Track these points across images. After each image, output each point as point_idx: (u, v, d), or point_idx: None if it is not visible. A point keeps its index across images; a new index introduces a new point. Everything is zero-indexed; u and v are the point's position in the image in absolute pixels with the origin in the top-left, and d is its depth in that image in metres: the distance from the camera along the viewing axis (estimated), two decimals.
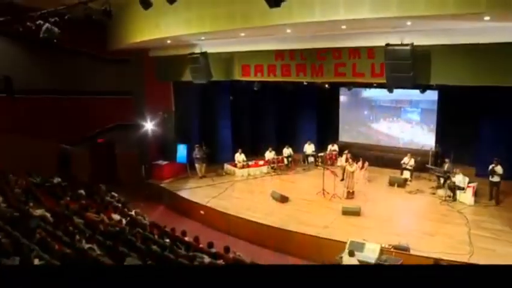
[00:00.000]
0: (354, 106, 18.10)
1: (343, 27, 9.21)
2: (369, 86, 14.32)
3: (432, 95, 15.36)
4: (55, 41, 8.33)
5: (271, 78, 12.65)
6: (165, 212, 14.09)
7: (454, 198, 12.46)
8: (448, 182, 13.09)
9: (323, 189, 13.18)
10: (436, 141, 15.70)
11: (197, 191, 14.39)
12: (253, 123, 18.67)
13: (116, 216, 10.44)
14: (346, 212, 11.54)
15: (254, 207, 12.59)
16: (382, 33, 9.83)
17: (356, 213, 11.49)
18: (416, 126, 16.44)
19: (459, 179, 12.49)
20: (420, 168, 14.73)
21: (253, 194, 13.96)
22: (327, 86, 14.67)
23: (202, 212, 12.94)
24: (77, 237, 7.84)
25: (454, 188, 12.48)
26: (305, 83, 13.73)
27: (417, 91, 14.79)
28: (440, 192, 13.03)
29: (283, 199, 12.83)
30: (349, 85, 14.61)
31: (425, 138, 16.07)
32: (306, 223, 11.17)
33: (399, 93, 15.73)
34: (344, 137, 18.35)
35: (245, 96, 17.50)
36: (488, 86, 9.58)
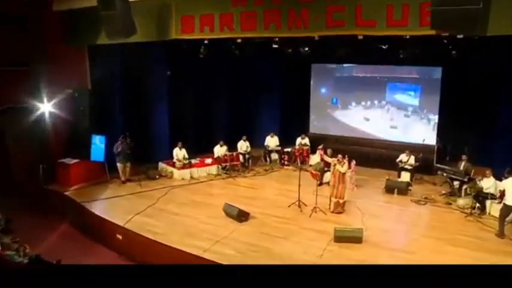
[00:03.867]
0: (326, 84, 14.25)
1: None
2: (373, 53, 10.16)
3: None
4: None
5: (226, 34, 8.52)
6: (67, 235, 9.54)
7: (483, 211, 8.93)
8: (465, 186, 9.71)
9: (299, 200, 9.31)
10: (438, 135, 12.20)
11: (117, 203, 10.01)
12: (198, 107, 14.08)
13: None
14: (341, 238, 7.55)
15: (198, 229, 8.43)
16: None
17: (356, 239, 7.53)
18: (414, 115, 12.74)
19: (489, 184, 8.95)
20: (423, 168, 11.16)
21: (198, 208, 9.58)
22: (306, 49, 10.14)
23: (119, 236, 8.56)
24: None
25: (483, 197, 8.93)
26: (276, 41, 9.36)
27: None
28: (461, 201, 9.45)
29: (242, 216, 8.71)
30: (342, 49, 10.09)
31: (425, 131, 12.51)
32: (281, 257, 7.24)
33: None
34: (316, 127, 14.39)
35: (187, 69, 13.02)
36: None
